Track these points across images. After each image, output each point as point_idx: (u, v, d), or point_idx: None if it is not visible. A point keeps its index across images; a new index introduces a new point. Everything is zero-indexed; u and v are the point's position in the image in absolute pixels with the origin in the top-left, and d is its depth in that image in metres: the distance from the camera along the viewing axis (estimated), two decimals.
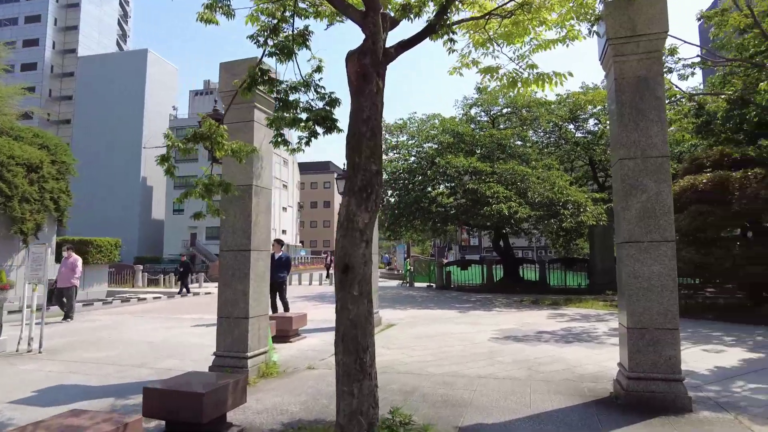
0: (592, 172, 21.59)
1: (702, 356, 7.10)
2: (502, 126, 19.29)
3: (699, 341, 8.28)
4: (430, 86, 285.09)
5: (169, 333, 10.19)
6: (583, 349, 7.79)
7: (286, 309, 11.09)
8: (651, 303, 4.83)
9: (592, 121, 21.91)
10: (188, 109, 74.89)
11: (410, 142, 19.10)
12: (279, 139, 4.98)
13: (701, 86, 21.72)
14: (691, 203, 11.29)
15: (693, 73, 12.85)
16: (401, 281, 27.81)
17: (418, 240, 29.36)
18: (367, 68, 3.59)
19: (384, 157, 19.80)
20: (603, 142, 20.52)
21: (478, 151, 17.29)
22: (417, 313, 13.08)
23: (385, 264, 49.34)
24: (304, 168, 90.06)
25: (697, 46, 11.99)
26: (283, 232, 72.03)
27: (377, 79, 3.63)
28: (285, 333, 9.14)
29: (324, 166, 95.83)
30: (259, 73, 4.60)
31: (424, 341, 8.74)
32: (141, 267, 28.22)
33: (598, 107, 20.90)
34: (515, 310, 13.59)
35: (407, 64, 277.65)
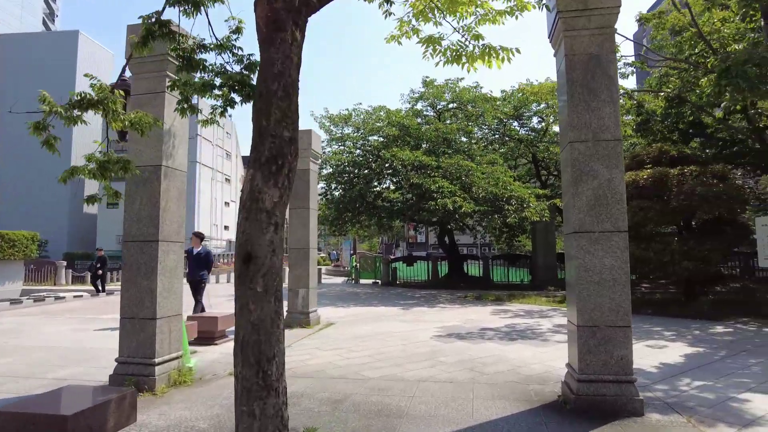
0: (535, 170, 21.79)
1: (647, 353, 6.91)
2: (448, 121, 19.02)
3: (642, 337, 8.16)
4: (377, 77, 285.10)
5: (80, 336, 9.02)
6: (528, 347, 7.45)
7: (201, 311, 10.03)
8: (602, 299, 4.45)
9: (535, 119, 22.12)
10: None
11: (355, 134, 18.44)
12: (185, 106, 4.20)
13: (636, 88, 22.47)
14: (633, 198, 11.30)
15: (633, 72, 12.99)
16: (347, 278, 27.14)
17: (364, 236, 28.74)
18: (279, 13, 2.91)
19: (327, 149, 19.05)
20: (546, 140, 20.72)
21: (424, 145, 16.90)
22: (359, 311, 12.48)
23: (333, 260, 48.47)
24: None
25: (638, 43, 12.09)
26: (226, 227, 69.44)
27: (293, 28, 2.95)
28: (210, 335, 8.28)
29: None
30: (157, 26, 3.80)
31: (364, 341, 8.14)
32: (64, 263, 25.94)
33: (542, 104, 21.15)
34: (459, 306, 13.28)
35: (355, 55, 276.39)
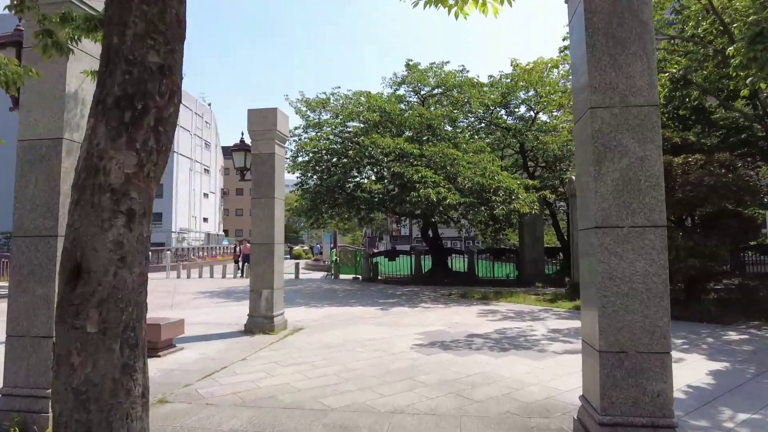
0: (523, 161, 20.79)
1: None
2: (432, 108, 17.83)
3: None
4: (356, 57, 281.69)
5: None
6: (523, 361, 6.38)
7: None
8: (633, 315, 3.36)
9: (523, 108, 21.10)
10: None
11: (334, 120, 17.15)
12: (48, 42, 2.96)
13: None
14: None
15: None
16: (326, 273, 25.93)
17: (344, 229, 27.53)
18: None
19: (304, 135, 17.75)
20: (535, 128, 19.72)
21: (407, 133, 15.70)
22: (334, 312, 11.32)
23: (315, 254, 47.09)
24: (229, 152, 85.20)
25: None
26: (205, 219, 67.66)
27: None
28: (152, 345, 7.05)
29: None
30: None
31: (332, 352, 6.99)
32: None
33: (531, 92, 20.09)
34: (443, 306, 12.21)
35: (338, 37, 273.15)
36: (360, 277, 22.02)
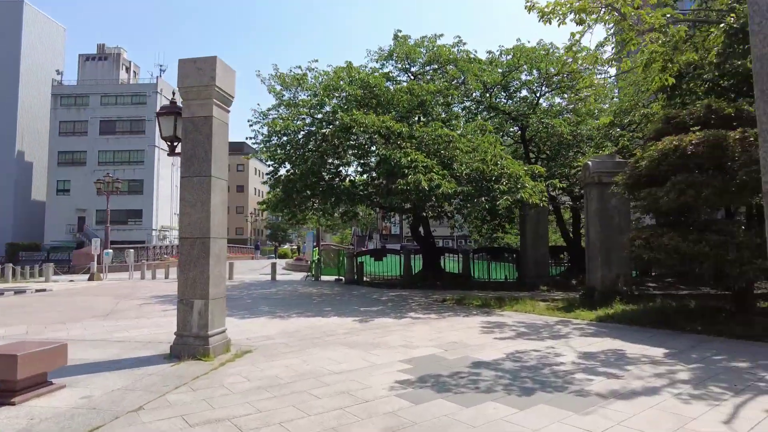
0: (524, 149, 18.67)
1: None
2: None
3: (733, 381, 5.01)
4: (338, 27, 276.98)
5: None
6: (560, 414, 4.16)
7: None
8: None
9: (525, 91, 18.96)
10: (77, 75, 64.51)
11: (312, 99, 14.78)
12: None
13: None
14: (676, 172, 8.21)
15: None
16: (307, 274, 23.64)
17: (327, 226, 25.20)
18: None
19: (273, 113, 15.41)
20: (539, 113, 17.58)
21: (394, 112, 13.40)
22: (299, 325, 9.07)
23: (303, 253, 44.71)
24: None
25: None
26: None
27: None
28: (7, 387, 4.76)
29: (237, 147, 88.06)
30: None
31: (275, 398, 4.74)
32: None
33: (534, 72, 17.99)
34: (436, 316, 10.00)
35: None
36: (343, 278, 19.80)
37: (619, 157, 12.34)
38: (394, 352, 6.64)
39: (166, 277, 22.63)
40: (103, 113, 56.94)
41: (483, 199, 11.39)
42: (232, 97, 7.13)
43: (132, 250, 25.28)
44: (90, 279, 21.34)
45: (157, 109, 8.56)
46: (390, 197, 12.22)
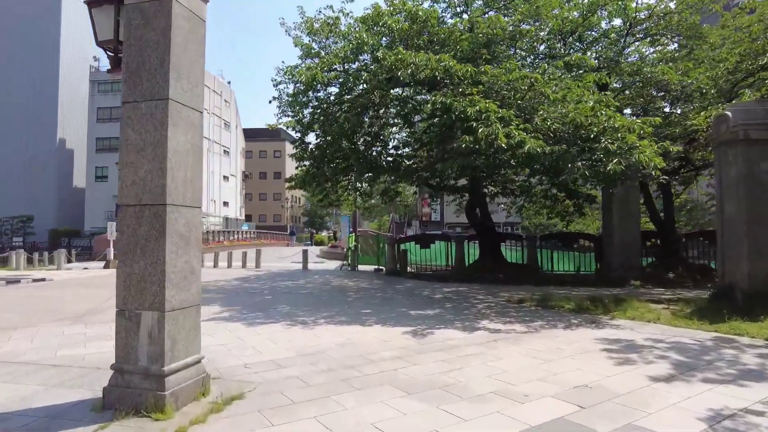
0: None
1: None
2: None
3: None
4: None
5: None
6: None
7: None
8: None
9: (603, 43, 15.36)
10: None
11: (347, 48, 11.76)
12: None
13: None
14: None
15: None
16: (342, 263, 20.92)
17: (365, 208, 22.34)
18: None
19: (300, 63, 12.51)
20: (627, 65, 14.01)
21: (449, 55, 10.17)
22: (326, 341, 6.23)
23: (338, 240, 42.14)
24: (251, 134, 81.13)
25: None
26: (225, 203, 63.74)
27: None
28: None
29: (274, 133, 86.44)
30: None
31: None
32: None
33: (617, 20, 14.42)
34: (522, 328, 6.96)
35: None
36: (383, 268, 16.95)
37: None
38: (488, 410, 3.70)
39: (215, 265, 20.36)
40: None
41: (580, 164, 8.19)
42: None
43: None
44: (106, 266, 19.39)
45: None
46: (447, 162, 9.15)
